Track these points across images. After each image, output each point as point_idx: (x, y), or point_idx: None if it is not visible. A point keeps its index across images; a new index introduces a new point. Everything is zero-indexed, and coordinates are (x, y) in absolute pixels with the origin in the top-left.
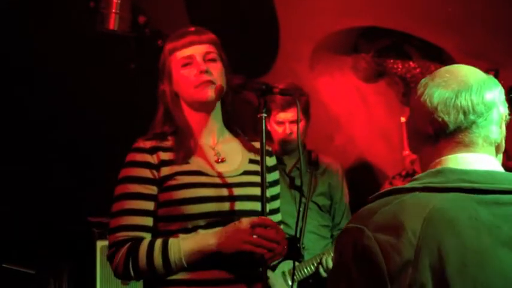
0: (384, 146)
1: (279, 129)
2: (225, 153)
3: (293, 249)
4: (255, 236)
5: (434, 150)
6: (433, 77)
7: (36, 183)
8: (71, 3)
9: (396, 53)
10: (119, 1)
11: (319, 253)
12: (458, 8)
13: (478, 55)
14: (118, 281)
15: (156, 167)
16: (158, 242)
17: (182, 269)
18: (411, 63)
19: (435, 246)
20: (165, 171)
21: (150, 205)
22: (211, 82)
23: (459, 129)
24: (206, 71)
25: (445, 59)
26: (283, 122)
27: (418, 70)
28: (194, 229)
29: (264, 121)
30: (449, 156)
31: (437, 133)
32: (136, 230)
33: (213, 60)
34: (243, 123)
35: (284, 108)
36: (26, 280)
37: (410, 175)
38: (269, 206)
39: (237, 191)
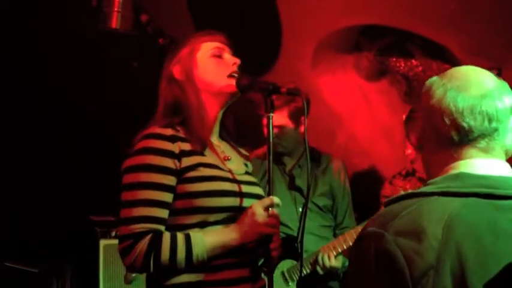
0: (385, 144)
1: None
2: (227, 153)
3: (290, 249)
4: (272, 219)
5: (453, 154)
6: (449, 79)
7: (38, 183)
8: (73, 2)
9: (398, 51)
10: (121, 0)
11: (315, 251)
12: (460, 5)
13: (480, 53)
14: (121, 279)
15: (178, 156)
16: (180, 236)
17: (201, 264)
18: (413, 61)
19: (455, 251)
20: (187, 161)
21: (168, 197)
22: (238, 77)
23: (482, 136)
24: (238, 65)
25: (448, 57)
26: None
27: (420, 68)
28: (215, 223)
29: (271, 120)
30: (467, 160)
31: (461, 138)
32: (155, 222)
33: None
34: (243, 122)
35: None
36: (28, 279)
37: (410, 174)
38: None
39: (245, 189)
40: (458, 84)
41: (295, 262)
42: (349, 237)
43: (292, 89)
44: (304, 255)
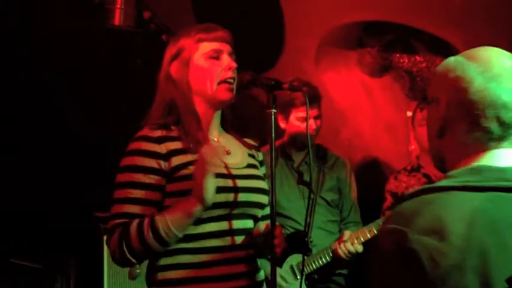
0: (389, 140)
1: (302, 125)
2: (228, 146)
3: (301, 243)
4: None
5: (483, 146)
6: (485, 67)
7: (43, 178)
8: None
9: (402, 47)
10: None
11: (327, 247)
12: (464, 1)
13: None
14: (125, 276)
15: (165, 157)
16: (146, 219)
17: (173, 238)
18: (417, 57)
19: (479, 250)
20: (177, 160)
21: (150, 195)
22: (233, 83)
23: None
24: (234, 69)
25: (451, 53)
26: (309, 118)
27: (424, 64)
28: (209, 220)
29: (273, 116)
30: (491, 152)
31: (502, 132)
32: (130, 217)
33: (235, 61)
34: (247, 119)
35: (310, 103)
36: (33, 275)
37: (415, 170)
38: (266, 199)
39: (242, 183)
40: (497, 73)
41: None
42: (370, 229)
43: (294, 85)
44: (313, 248)
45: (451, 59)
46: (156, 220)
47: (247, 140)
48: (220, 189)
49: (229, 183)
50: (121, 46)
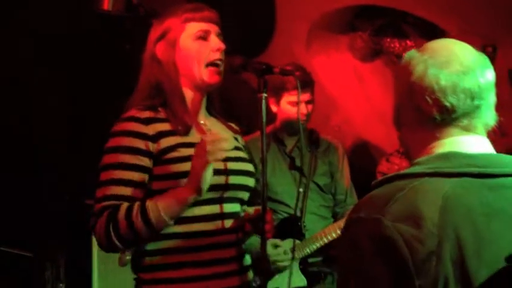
0: (380, 126)
1: (293, 110)
2: (215, 130)
3: (294, 228)
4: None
5: (435, 133)
6: (430, 54)
7: (34, 168)
8: None
9: (393, 32)
10: None
11: (320, 231)
12: None
13: (475, 33)
14: (115, 263)
15: (153, 138)
16: (136, 204)
17: (163, 225)
18: (408, 41)
19: (453, 236)
20: (165, 142)
21: (137, 176)
22: (221, 65)
23: (465, 114)
24: (222, 50)
25: (442, 37)
26: (300, 102)
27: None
28: (200, 203)
29: (264, 101)
30: (451, 138)
31: (444, 117)
32: (118, 199)
33: (222, 42)
34: (238, 103)
35: (302, 88)
36: (23, 263)
37: None
38: (253, 182)
39: (232, 166)
40: (439, 60)
41: (297, 241)
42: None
43: (285, 69)
44: (306, 234)
45: (409, 52)
46: (146, 205)
47: (230, 124)
48: (213, 172)
49: (220, 165)
50: (110, 30)
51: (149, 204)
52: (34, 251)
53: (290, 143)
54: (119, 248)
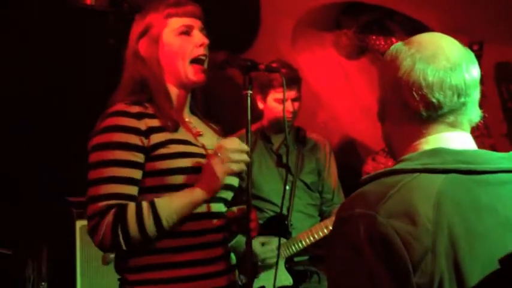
0: (367, 122)
1: (279, 107)
2: (199, 128)
3: (281, 226)
4: (226, 159)
5: (421, 129)
6: (417, 48)
7: (14, 163)
8: None
9: (378, 29)
10: None
11: (307, 230)
12: None
13: (461, 30)
14: (98, 261)
15: (145, 133)
16: (145, 203)
17: (173, 227)
18: (393, 39)
19: (447, 232)
20: (156, 138)
21: (136, 173)
22: (205, 61)
23: (451, 111)
24: (206, 46)
25: None
26: (286, 100)
27: None
28: None
29: (249, 98)
30: (438, 135)
31: (430, 113)
32: (121, 198)
33: (206, 37)
34: (222, 100)
35: (288, 85)
36: (2, 261)
37: None
38: (237, 182)
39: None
40: (426, 55)
41: (284, 239)
42: None
43: (271, 66)
44: (292, 231)
45: (395, 45)
46: (157, 206)
47: (211, 124)
48: (198, 170)
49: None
50: (94, 26)
51: (160, 204)
52: (14, 249)
53: (277, 140)
54: (121, 248)
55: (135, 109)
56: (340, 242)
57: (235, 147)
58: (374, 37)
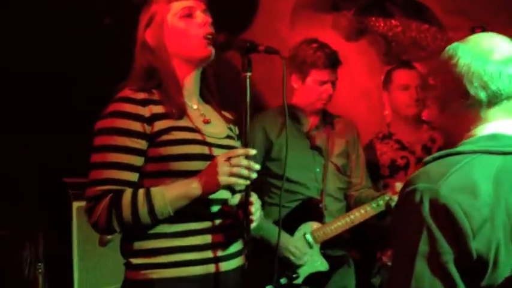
0: (364, 104)
1: (320, 89)
2: (208, 116)
3: (314, 211)
4: (234, 168)
5: (479, 115)
6: (473, 46)
7: (10, 144)
8: None
9: (378, 11)
10: None
11: (343, 214)
12: None
13: (461, 12)
14: (95, 243)
15: (149, 120)
16: (141, 191)
17: (167, 218)
18: (393, 21)
19: (504, 206)
20: (160, 125)
21: (136, 160)
22: (211, 38)
23: (509, 98)
24: (210, 24)
25: (428, 17)
26: (327, 81)
27: (399, 28)
28: None
29: (248, 81)
30: (495, 122)
31: (490, 99)
32: (119, 184)
33: (209, 17)
34: (222, 83)
35: (332, 66)
36: None
37: (387, 137)
38: None
39: (219, 152)
40: (483, 49)
41: (317, 224)
42: None
43: (270, 47)
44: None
45: (453, 45)
46: (152, 195)
47: (224, 113)
48: (197, 157)
49: (205, 150)
50: (89, 4)
51: (155, 193)
52: (11, 230)
53: (308, 122)
54: (115, 232)
55: (141, 95)
56: (406, 213)
57: (246, 164)
58: (373, 19)
